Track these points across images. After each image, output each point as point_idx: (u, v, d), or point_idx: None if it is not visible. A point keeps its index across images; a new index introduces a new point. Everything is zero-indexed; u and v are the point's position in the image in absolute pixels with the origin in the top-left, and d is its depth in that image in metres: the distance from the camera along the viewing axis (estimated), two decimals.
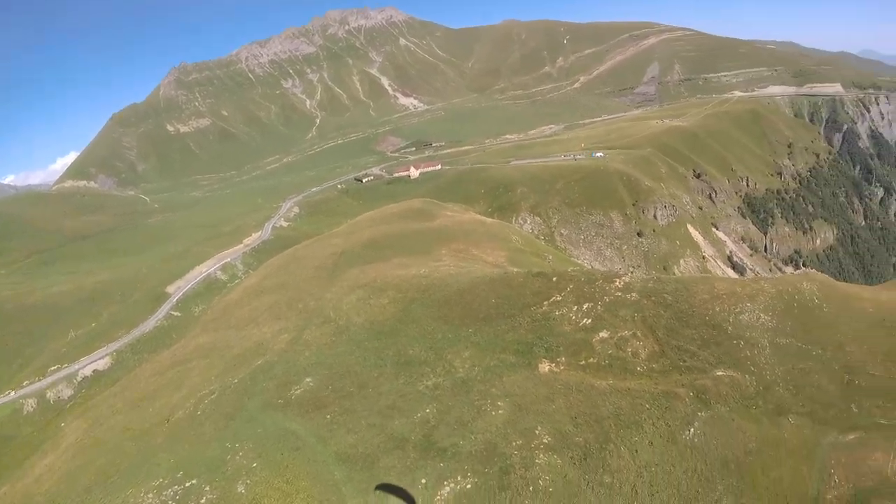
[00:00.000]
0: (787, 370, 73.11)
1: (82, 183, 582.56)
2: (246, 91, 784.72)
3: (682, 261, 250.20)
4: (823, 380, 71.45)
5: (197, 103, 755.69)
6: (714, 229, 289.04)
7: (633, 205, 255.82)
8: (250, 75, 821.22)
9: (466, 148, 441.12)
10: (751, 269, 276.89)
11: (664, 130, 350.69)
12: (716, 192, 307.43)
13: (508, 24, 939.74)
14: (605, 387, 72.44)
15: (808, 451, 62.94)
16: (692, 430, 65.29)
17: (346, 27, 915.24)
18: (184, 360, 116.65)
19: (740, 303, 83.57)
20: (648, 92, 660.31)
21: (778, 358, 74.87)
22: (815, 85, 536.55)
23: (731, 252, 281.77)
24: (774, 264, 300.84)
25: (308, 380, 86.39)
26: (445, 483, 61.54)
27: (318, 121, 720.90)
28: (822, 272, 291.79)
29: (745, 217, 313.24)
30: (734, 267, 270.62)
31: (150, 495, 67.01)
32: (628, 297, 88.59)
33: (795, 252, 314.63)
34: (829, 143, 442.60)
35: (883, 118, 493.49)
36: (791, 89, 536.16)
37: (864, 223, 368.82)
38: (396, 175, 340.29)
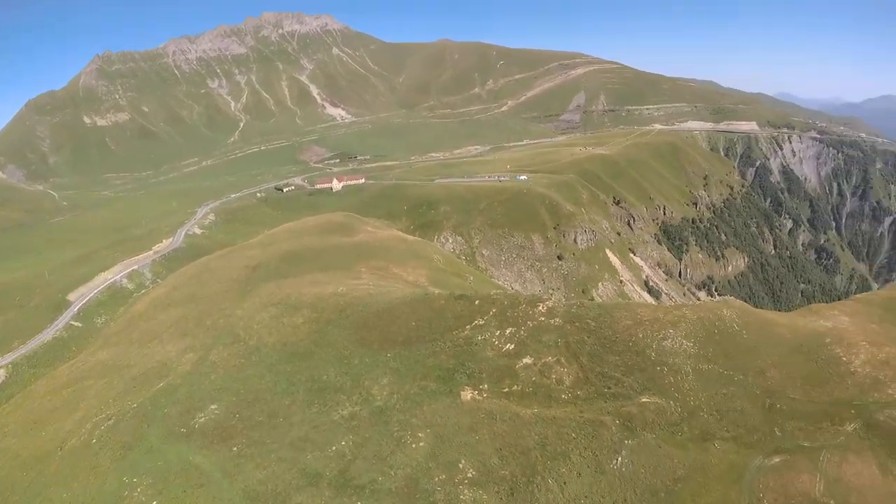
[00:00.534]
0: (711, 395, 73.65)
1: None
2: (170, 87, 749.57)
3: (600, 284, 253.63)
4: (746, 404, 72.61)
5: (118, 96, 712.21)
6: (631, 255, 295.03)
7: (555, 228, 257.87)
8: (176, 71, 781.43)
9: (392, 163, 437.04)
10: (666, 294, 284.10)
11: (587, 157, 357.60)
12: (634, 218, 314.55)
13: (442, 43, 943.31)
14: (530, 415, 70.09)
15: (735, 475, 62.87)
16: (620, 458, 64.06)
17: (280, 31, 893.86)
18: (81, 378, 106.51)
19: (663, 329, 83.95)
20: (573, 120, 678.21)
21: (701, 384, 75.38)
22: (731, 122, 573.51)
23: (647, 277, 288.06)
24: (689, 289, 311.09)
25: (214, 407, 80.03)
26: None
27: (241, 125, 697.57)
28: (734, 297, 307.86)
29: (661, 244, 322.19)
30: (650, 291, 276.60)
31: None
32: (552, 322, 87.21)
33: (708, 278, 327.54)
34: (743, 176, 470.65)
35: (794, 155, 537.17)
36: (709, 125, 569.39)
37: (773, 252, 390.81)
38: (318, 186, 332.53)
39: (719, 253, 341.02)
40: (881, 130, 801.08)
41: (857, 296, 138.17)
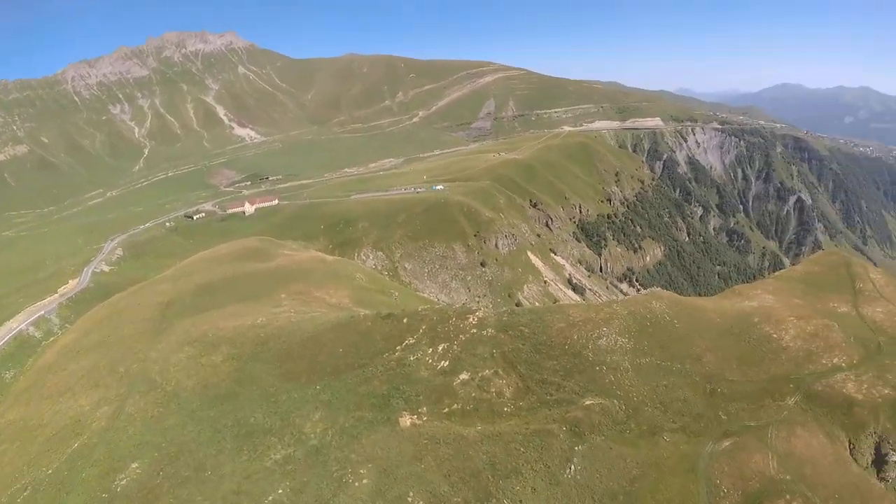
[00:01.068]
0: (653, 389, 73.50)
1: None
2: (70, 115, 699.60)
3: (525, 287, 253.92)
4: (688, 393, 73.23)
5: (15, 127, 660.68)
6: (553, 254, 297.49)
7: (475, 235, 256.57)
8: (76, 98, 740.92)
9: (305, 182, 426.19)
10: (590, 290, 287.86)
11: (501, 163, 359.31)
12: (552, 219, 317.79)
13: (349, 57, 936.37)
14: (475, 434, 66.77)
15: (689, 465, 62.59)
16: (573, 466, 62.07)
17: (184, 51, 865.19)
18: None
19: (597, 328, 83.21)
20: (484, 127, 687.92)
21: (641, 378, 75.12)
22: (637, 120, 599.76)
23: (570, 275, 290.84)
24: (611, 283, 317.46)
25: (135, 465, 72.26)
26: None
27: (146, 151, 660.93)
28: (654, 286, 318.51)
29: (580, 241, 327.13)
30: (574, 289, 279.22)
31: None
32: (484, 333, 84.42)
33: (628, 270, 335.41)
34: (652, 170, 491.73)
35: (699, 146, 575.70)
36: (616, 124, 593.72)
37: (687, 239, 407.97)
38: (230, 211, 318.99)
39: (636, 245, 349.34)
40: (779, 117, 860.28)
41: (777, 273, 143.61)
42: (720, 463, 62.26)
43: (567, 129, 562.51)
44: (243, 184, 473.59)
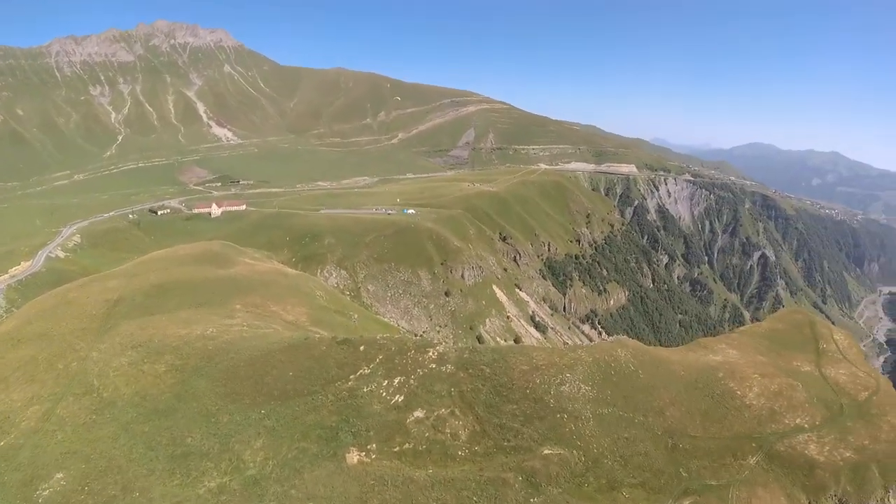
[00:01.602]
0: (613, 441, 70.91)
1: None
2: (49, 91, 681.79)
3: (487, 320, 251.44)
4: (649, 447, 70.90)
5: None
6: (518, 290, 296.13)
7: (442, 264, 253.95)
8: (57, 73, 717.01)
9: (276, 190, 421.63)
10: (552, 328, 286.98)
11: (475, 193, 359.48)
12: (520, 254, 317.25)
13: (337, 71, 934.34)
14: (425, 478, 62.73)
15: None
16: None
17: (172, 41, 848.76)
18: None
19: (560, 373, 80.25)
20: (462, 156, 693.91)
21: (602, 429, 72.44)
22: (612, 164, 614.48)
23: (533, 312, 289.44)
24: (573, 323, 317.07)
25: (59, 476, 66.61)
26: None
27: (120, 138, 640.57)
28: (616, 329, 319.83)
29: (546, 279, 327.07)
30: (537, 326, 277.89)
31: None
32: (443, 369, 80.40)
33: (592, 312, 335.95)
34: (622, 215, 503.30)
35: (669, 196, 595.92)
36: (591, 166, 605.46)
37: (652, 285, 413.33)
38: (196, 211, 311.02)
39: (601, 287, 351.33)
40: (749, 174, 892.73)
41: (742, 328, 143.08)
42: None
43: (543, 166, 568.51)
44: (213, 184, 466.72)
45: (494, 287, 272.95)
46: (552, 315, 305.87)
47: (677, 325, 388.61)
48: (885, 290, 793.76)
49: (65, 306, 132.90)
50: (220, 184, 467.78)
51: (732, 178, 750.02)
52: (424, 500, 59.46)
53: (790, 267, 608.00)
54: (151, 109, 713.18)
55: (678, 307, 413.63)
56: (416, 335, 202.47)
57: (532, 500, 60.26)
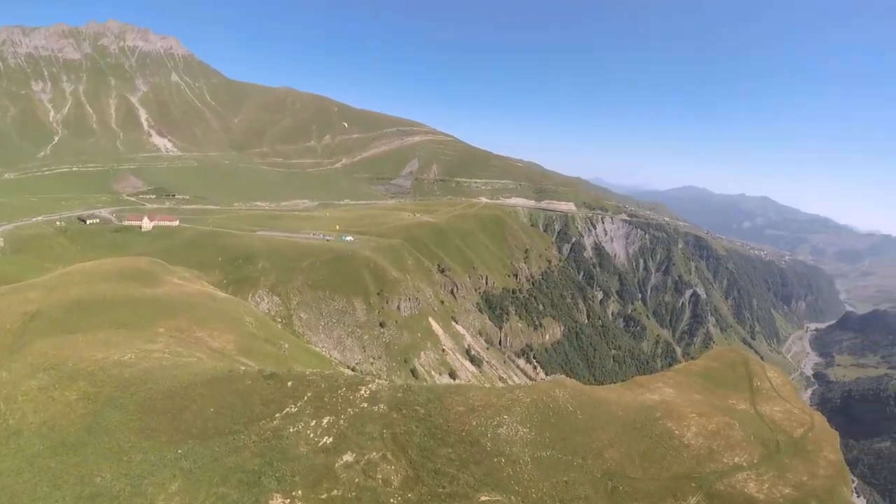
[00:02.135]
0: (553, 485, 67.95)
1: None
2: None
3: (422, 353, 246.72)
4: (589, 490, 68.73)
5: None
6: (454, 323, 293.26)
7: (378, 294, 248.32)
8: (1, 63, 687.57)
9: (213, 207, 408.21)
10: (487, 362, 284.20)
11: (416, 224, 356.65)
12: (458, 287, 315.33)
13: (285, 90, 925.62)
14: None
15: None
16: None
17: (122, 43, 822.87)
18: None
19: (497, 415, 77.32)
20: (405, 185, 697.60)
21: (541, 473, 69.17)
22: (552, 201, 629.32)
23: (469, 345, 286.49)
24: (509, 357, 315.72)
25: None
26: None
27: (56, 138, 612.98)
28: (550, 364, 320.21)
29: (482, 312, 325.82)
30: (472, 360, 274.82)
31: None
32: (375, 409, 75.48)
33: (527, 346, 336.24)
34: (560, 251, 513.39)
35: (606, 234, 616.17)
36: (531, 202, 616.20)
37: (587, 321, 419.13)
38: (127, 223, 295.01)
39: (537, 322, 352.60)
40: (683, 216, 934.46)
41: (677, 367, 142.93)
42: None
43: (485, 200, 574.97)
44: (148, 196, 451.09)
45: (431, 319, 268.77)
46: (488, 349, 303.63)
47: (611, 360, 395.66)
48: (812, 326, 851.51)
49: None
50: (154, 196, 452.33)
51: (667, 218, 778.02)
52: None
53: (720, 304, 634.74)
54: (92, 112, 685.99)
55: (612, 342, 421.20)
56: (348, 367, 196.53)
57: None
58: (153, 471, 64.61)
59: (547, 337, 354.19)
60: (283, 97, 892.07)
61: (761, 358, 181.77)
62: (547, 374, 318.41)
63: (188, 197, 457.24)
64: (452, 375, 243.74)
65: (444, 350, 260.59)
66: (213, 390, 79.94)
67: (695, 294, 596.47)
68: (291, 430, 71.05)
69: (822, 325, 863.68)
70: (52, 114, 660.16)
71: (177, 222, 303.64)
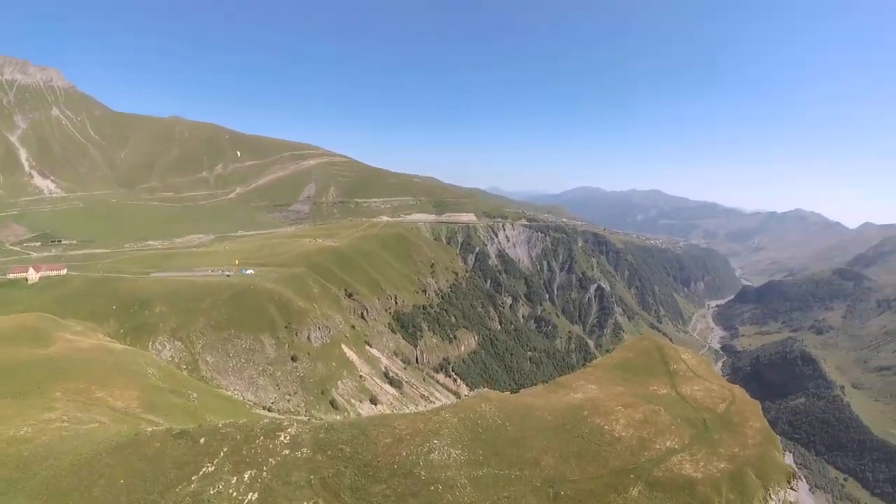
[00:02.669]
0: (494, 503, 66.46)
1: None
2: None
3: (339, 383, 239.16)
4: (532, 501, 67.68)
5: None
6: (368, 347, 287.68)
7: (286, 327, 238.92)
8: None
9: (102, 251, 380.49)
10: (407, 382, 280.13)
11: (317, 250, 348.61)
12: (367, 310, 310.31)
13: (173, 119, 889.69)
14: None
15: None
16: None
17: None
18: None
19: (426, 441, 75.04)
20: (303, 210, 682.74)
21: (481, 492, 67.24)
22: (453, 214, 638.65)
23: (386, 368, 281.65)
24: (427, 373, 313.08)
25: None
26: None
27: None
28: (470, 374, 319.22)
29: (395, 332, 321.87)
30: (391, 382, 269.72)
31: None
32: (298, 454, 71.06)
33: (444, 360, 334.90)
34: (465, 262, 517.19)
35: (508, 241, 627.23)
36: (432, 217, 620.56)
37: (499, 327, 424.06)
38: (11, 276, 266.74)
39: (452, 335, 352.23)
40: (580, 215, 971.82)
41: (595, 362, 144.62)
42: None
43: (385, 219, 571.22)
44: (32, 244, 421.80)
45: (344, 346, 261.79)
46: (405, 368, 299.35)
47: (528, 362, 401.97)
48: (713, 303, 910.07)
49: None
50: (39, 243, 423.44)
51: (565, 219, 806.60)
52: None
53: (625, 295, 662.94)
54: None
55: (527, 345, 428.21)
56: (264, 408, 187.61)
57: None
58: None
59: (463, 348, 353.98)
60: (171, 126, 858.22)
61: (670, 340, 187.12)
62: (468, 386, 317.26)
63: (75, 242, 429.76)
64: (373, 401, 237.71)
65: (361, 376, 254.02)
66: (120, 459, 72.35)
67: (599, 288, 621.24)
68: (212, 492, 64.94)
69: (721, 302, 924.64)
70: None
71: (65, 270, 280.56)
